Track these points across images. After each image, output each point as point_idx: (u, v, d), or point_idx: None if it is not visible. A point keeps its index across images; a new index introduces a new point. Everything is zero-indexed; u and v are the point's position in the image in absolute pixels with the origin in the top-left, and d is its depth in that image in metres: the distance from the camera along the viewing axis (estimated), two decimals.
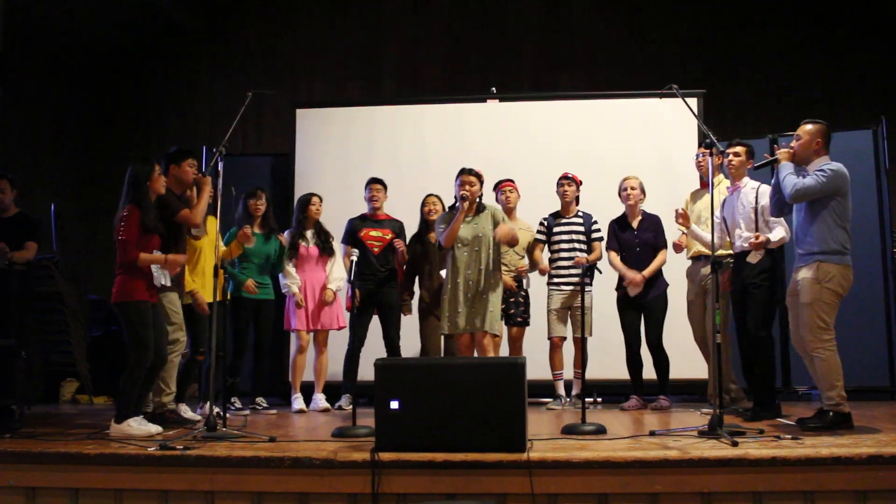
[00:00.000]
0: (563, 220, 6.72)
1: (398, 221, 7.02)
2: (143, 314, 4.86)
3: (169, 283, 5.20)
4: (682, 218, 5.92)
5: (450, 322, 5.80)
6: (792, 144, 4.98)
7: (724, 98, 9.48)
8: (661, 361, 6.42)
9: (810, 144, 4.89)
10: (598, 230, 6.69)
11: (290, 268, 6.69)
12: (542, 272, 6.70)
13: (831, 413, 4.71)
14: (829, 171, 4.74)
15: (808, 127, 4.93)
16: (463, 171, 5.91)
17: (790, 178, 4.85)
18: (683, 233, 6.16)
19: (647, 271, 6.33)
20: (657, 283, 6.43)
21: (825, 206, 4.77)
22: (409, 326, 6.92)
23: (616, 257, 6.51)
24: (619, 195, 6.59)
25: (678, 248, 6.28)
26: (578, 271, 6.36)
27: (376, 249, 6.79)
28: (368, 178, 7.02)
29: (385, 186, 6.98)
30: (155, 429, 4.82)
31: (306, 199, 6.85)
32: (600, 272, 6.29)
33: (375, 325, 6.89)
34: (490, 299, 5.76)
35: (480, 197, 6.01)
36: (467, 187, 5.81)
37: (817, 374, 4.80)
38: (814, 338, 4.73)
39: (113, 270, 4.97)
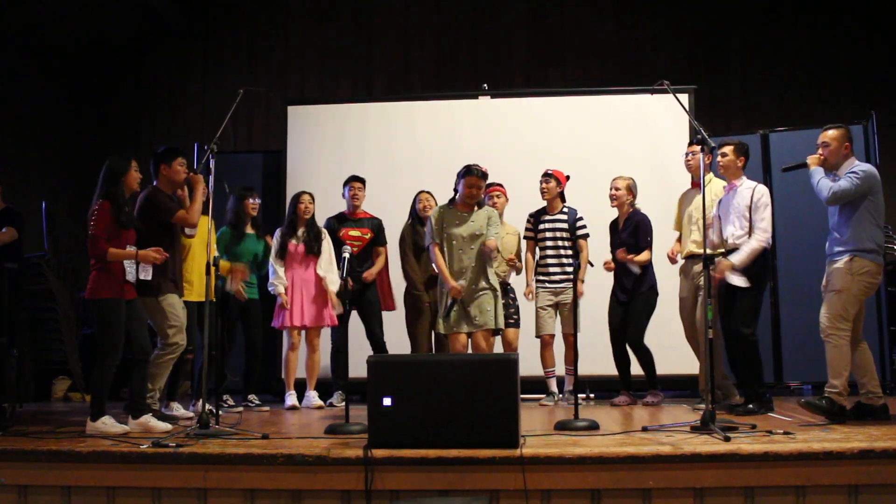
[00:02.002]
0: (548, 217, 6.72)
1: (377, 219, 7.02)
2: (112, 312, 4.81)
3: (149, 277, 5.12)
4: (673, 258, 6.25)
5: (446, 322, 5.60)
6: (820, 152, 5.05)
7: (716, 94, 9.52)
8: (644, 358, 6.44)
9: (839, 150, 5.00)
10: (584, 226, 6.66)
11: (279, 267, 6.68)
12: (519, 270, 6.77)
13: (828, 399, 4.78)
14: (862, 173, 4.85)
15: (834, 133, 5.03)
16: (469, 173, 5.61)
17: (825, 182, 4.94)
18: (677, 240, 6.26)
19: (630, 257, 6.35)
20: (644, 278, 6.43)
21: (859, 206, 4.88)
22: (396, 323, 6.91)
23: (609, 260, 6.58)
24: None
25: (672, 259, 6.32)
26: (566, 268, 6.42)
27: (355, 249, 6.75)
28: (349, 175, 7.02)
29: (364, 184, 6.99)
30: (128, 428, 4.79)
31: (295, 198, 6.84)
32: (591, 265, 6.31)
33: (356, 323, 6.89)
34: (488, 298, 5.58)
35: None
36: (474, 191, 5.60)
37: (828, 360, 4.87)
38: (831, 325, 4.83)
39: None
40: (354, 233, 6.86)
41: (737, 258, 5.47)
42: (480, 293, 5.58)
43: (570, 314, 6.39)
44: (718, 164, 5.78)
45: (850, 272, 4.83)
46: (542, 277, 6.67)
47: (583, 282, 6.47)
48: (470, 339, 5.66)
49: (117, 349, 4.82)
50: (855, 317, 4.91)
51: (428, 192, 6.81)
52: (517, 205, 6.95)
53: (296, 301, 6.66)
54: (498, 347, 6.62)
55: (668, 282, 6.52)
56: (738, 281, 5.43)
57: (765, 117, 9.10)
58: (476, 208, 5.70)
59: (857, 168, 4.90)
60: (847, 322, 4.83)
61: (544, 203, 6.78)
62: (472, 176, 5.60)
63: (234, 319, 6.68)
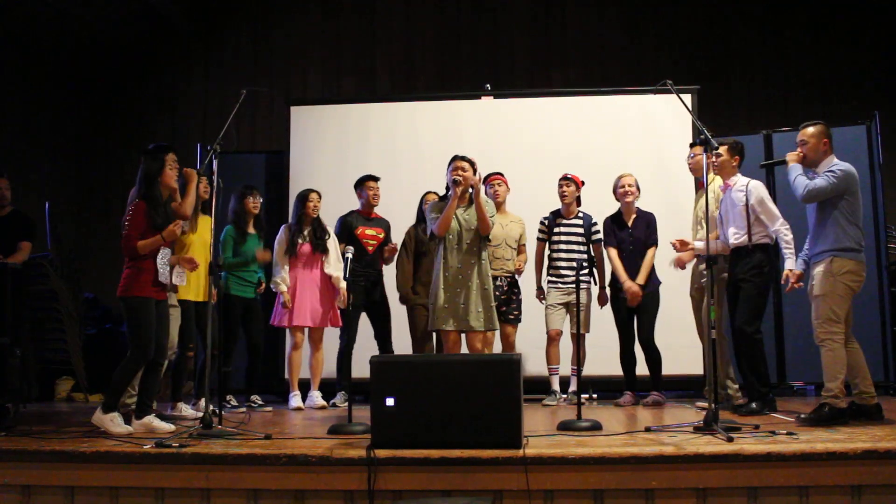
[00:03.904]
0: (564, 221, 6.74)
1: (386, 220, 7.04)
2: (142, 310, 4.82)
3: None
4: (681, 244, 5.89)
5: (437, 317, 5.58)
6: (799, 150, 5.04)
7: (718, 94, 9.51)
8: (653, 358, 6.45)
9: (818, 147, 4.99)
10: (598, 231, 6.70)
11: (284, 265, 6.66)
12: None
13: (827, 408, 4.75)
14: (839, 172, 4.84)
15: (812, 130, 5.01)
16: (455, 158, 5.65)
17: (801, 180, 4.94)
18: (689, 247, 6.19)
19: (641, 278, 6.37)
20: (650, 280, 6.45)
21: (836, 206, 4.87)
22: (401, 323, 6.91)
23: (615, 253, 6.52)
24: (615, 192, 6.60)
25: (680, 260, 6.06)
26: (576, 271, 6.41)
27: (370, 248, 6.77)
28: (364, 175, 7.00)
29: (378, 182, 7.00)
30: (131, 429, 4.78)
31: (304, 196, 6.80)
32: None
33: (365, 323, 6.90)
34: (482, 296, 5.58)
35: (472, 187, 5.79)
36: (460, 172, 5.58)
37: (823, 364, 4.85)
38: (823, 329, 4.82)
39: (121, 266, 4.94)
40: (371, 231, 6.86)
41: (794, 262, 5.30)
42: (474, 293, 5.57)
43: (583, 315, 6.41)
44: (713, 165, 5.77)
45: (832, 273, 4.82)
46: (553, 278, 6.70)
47: (603, 288, 6.62)
48: (463, 338, 5.66)
49: (146, 348, 4.83)
50: (845, 317, 4.89)
51: (434, 193, 6.78)
52: (519, 205, 6.95)
53: (301, 301, 6.64)
54: (497, 345, 6.64)
55: (671, 281, 6.52)
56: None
57: (768, 117, 9.09)
58: (469, 204, 5.68)
59: (836, 167, 4.89)
60: (838, 324, 4.81)
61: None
62: (456, 160, 5.65)
63: (237, 319, 6.68)
